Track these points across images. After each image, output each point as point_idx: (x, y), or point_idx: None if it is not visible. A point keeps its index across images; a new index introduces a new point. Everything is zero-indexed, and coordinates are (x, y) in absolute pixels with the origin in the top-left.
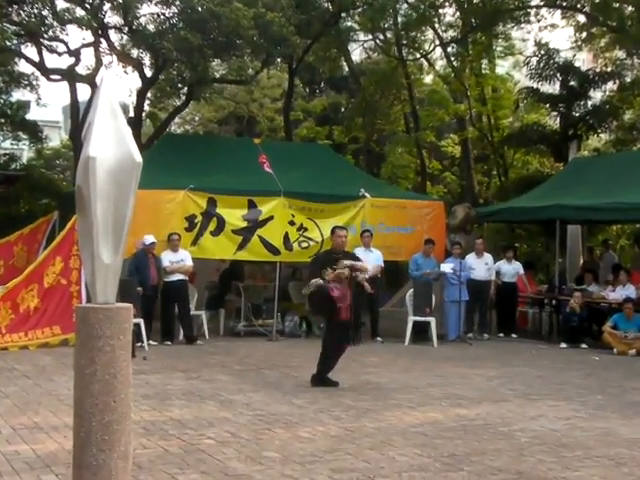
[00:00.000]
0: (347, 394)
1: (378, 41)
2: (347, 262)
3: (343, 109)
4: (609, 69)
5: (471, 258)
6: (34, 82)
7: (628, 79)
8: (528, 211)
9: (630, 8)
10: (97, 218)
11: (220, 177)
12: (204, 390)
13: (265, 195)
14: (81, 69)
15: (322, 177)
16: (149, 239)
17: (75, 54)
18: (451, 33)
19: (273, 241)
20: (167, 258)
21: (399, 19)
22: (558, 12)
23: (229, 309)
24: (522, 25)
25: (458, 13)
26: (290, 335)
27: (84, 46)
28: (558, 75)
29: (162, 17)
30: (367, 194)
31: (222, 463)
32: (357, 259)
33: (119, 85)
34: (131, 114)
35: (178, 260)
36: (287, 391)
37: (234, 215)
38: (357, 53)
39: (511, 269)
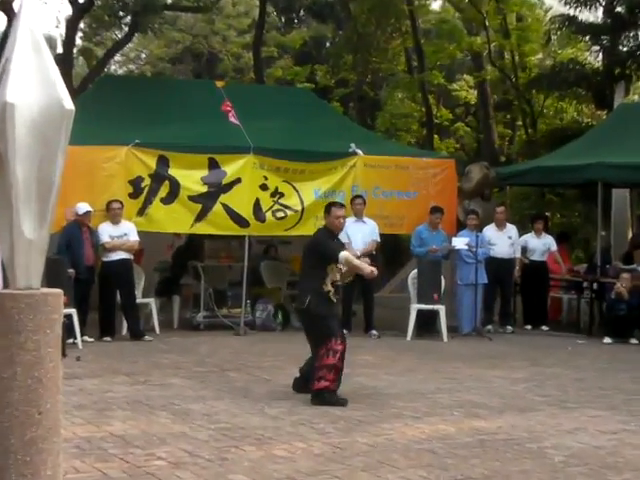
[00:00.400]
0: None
1: None
2: (354, 260)
3: (328, 44)
4: None
5: (490, 231)
6: None
7: None
8: (562, 171)
9: None
10: (17, 181)
11: (173, 129)
12: (154, 398)
13: (230, 152)
14: None
15: (302, 129)
16: (83, 208)
17: None
18: None
19: (240, 210)
20: (106, 232)
21: None
22: None
23: (185, 296)
24: None
25: None
26: (262, 328)
27: None
28: None
29: None
30: (359, 150)
31: None
32: (342, 246)
33: (44, 13)
34: (59, 50)
35: (120, 235)
36: (259, 398)
37: (191, 178)
38: None
39: (541, 244)
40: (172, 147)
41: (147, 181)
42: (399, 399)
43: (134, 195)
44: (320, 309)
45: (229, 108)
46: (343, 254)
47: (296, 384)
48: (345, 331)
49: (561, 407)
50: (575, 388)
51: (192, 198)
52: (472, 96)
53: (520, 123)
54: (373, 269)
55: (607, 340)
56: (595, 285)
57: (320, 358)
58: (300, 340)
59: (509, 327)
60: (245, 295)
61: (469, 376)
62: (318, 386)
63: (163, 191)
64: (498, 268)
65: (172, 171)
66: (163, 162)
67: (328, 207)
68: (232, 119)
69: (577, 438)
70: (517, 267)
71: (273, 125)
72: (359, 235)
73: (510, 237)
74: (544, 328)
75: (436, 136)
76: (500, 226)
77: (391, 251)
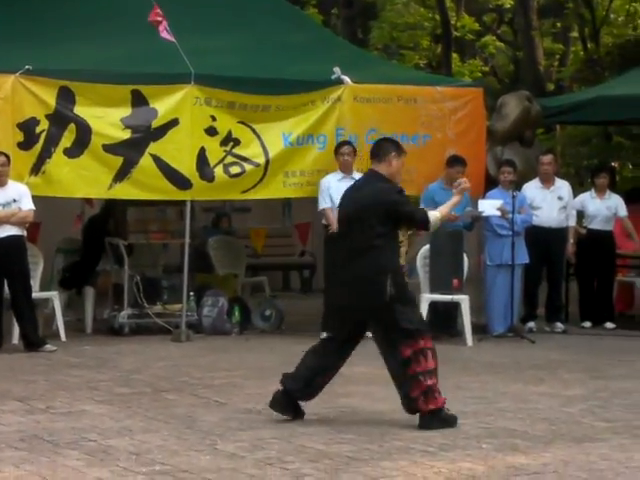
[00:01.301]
0: (316, 432)
1: None
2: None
3: None
4: None
5: (533, 189)
6: None
7: None
8: (637, 103)
9: None
10: None
11: (80, 50)
12: (59, 432)
13: (162, 82)
14: None
15: (265, 48)
16: None
17: None
18: None
19: (179, 165)
20: None
21: None
22: None
23: (102, 287)
24: None
25: None
26: (212, 331)
27: None
28: None
29: None
30: (346, 77)
31: None
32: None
33: None
34: None
35: (7, 202)
36: (208, 429)
37: (107, 119)
38: None
39: (604, 208)
40: (79, 75)
41: (44, 124)
42: (405, 427)
43: (26, 145)
44: (408, 295)
45: (160, 18)
46: (434, 215)
47: (279, 402)
48: (326, 335)
49: (633, 436)
50: None
51: (109, 148)
52: None
53: (576, 35)
54: None
55: None
56: None
57: (411, 364)
58: (265, 347)
59: (559, 325)
60: (187, 285)
61: (503, 394)
62: (433, 405)
63: (67, 139)
64: (544, 242)
65: (79, 109)
66: (66, 97)
67: (339, 147)
68: (164, 34)
69: None
70: (571, 240)
71: (223, 42)
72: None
73: (561, 198)
74: (609, 326)
75: (456, 55)
76: (547, 182)
77: None
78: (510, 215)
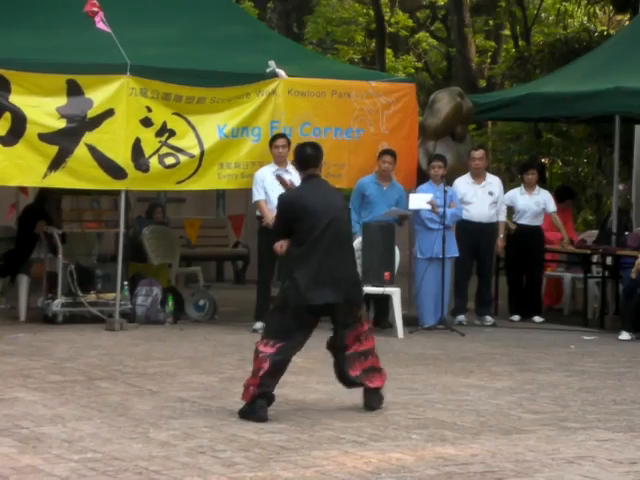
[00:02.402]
0: (247, 421)
1: None
2: None
3: None
4: None
5: (464, 184)
6: None
7: None
8: (566, 100)
9: None
10: None
11: (15, 38)
12: None
13: (98, 72)
14: None
15: (200, 40)
16: None
17: None
18: None
19: (114, 155)
20: None
21: None
22: None
23: (36, 276)
24: None
25: None
26: (146, 320)
27: None
28: None
29: None
30: (281, 71)
31: None
32: None
33: None
34: None
35: None
36: (141, 418)
37: (43, 108)
38: None
39: (533, 203)
40: (14, 64)
41: None
42: (336, 417)
43: None
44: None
45: (96, 9)
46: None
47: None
48: (259, 324)
49: (560, 428)
50: (580, 402)
51: (44, 137)
52: None
53: (508, 33)
54: (281, 243)
55: (624, 336)
56: (609, 260)
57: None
58: (199, 336)
59: (488, 318)
60: (121, 275)
61: (433, 386)
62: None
63: (2, 127)
64: (474, 236)
65: (14, 98)
66: (2, 85)
67: (274, 139)
68: (100, 25)
69: (582, 470)
70: (501, 235)
71: (159, 34)
72: (282, 190)
73: (491, 193)
74: (538, 319)
75: (390, 50)
76: (477, 177)
77: None
78: (440, 209)
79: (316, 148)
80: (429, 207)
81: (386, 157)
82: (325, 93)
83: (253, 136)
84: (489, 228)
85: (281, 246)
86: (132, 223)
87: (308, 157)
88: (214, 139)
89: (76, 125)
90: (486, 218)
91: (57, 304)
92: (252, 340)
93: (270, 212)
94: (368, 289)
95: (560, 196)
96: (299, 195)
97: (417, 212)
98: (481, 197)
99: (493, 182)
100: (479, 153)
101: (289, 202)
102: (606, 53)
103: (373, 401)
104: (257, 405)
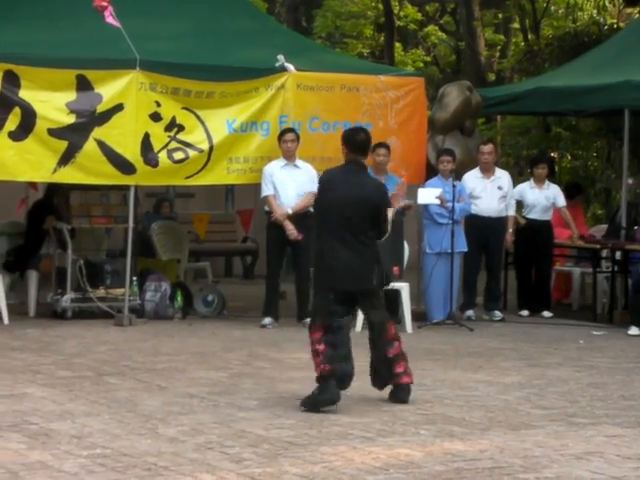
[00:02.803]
0: (256, 417)
1: None
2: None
3: None
4: None
5: (473, 179)
6: None
7: None
8: (575, 94)
9: None
10: None
11: (25, 33)
12: (1, 414)
13: (108, 67)
14: None
15: (209, 35)
16: None
17: None
18: None
19: (123, 150)
20: None
21: None
22: None
23: (45, 271)
24: None
25: None
26: (154, 315)
27: None
28: None
29: None
30: (289, 65)
31: None
32: None
33: None
34: None
35: None
36: (149, 413)
37: (52, 103)
38: None
39: (543, 198)
40: (23, 58)
41: None
42: (344, 413)
43: None
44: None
45: (105, 3)
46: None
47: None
48: (268, 320)
49: (568, 423)
50: (588, 397)
51: (54, 132)
52: None
53: (517, 26)
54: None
55: (634, 331)
56: (618, 255)
57: (398, 340)
58: (207, 332)
59: (497, 313)
60: (130, 270)
61: (442, 381)
62: (409, 378)
63: (12, 122)
64: (483, 231)
65: (24, 93)
66: (11, 80)
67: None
68: (110, 19)
69: (590, 466)
70: (510, 229)
71: (168, 28)
72: (291, 184)
73: (500, 187)
74: (546, 314)
75: (399, 44)
76: (487, 172)
77: None
78: (449, 204)
79: (368, 134)
80: (438, 202)
81: (380, 150)
82: (334, 87)
83: (262, 130)
84: (498, 223)
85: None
86: (140, 218)
87: (362, 141)
88: (223, 134)
89: (85, 120)
90: (495, 213)
91: (66, 299)
92: (260, 335)
93: (278, 207)
94: None
95: (570, 192)
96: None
97: (426, 207)
98: (490, 191)
99: (502, 176)
100: (488, 147)
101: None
102: (615, 46)
103: (404, 394)
104: (328, 385)
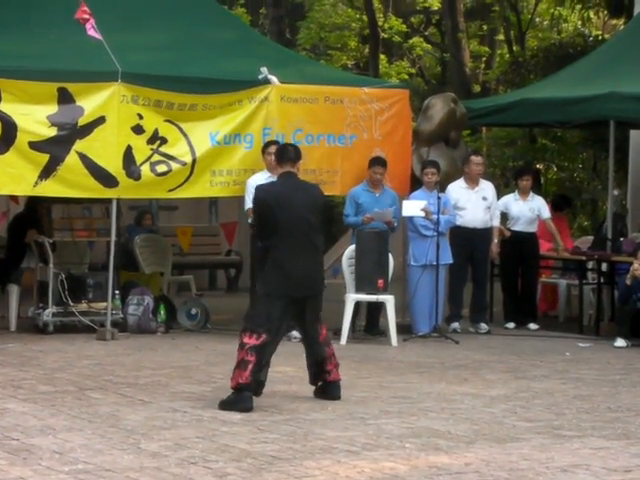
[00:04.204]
0: (239, 431)
1: None
2: None
3: None
4: None
5: (457, 189)
6: None
7: None
8: (561, 105)
9: None
10: None
11: (6, 45)
12: None
13: (89, 80)
14: None
15: (192, 46)
16: None
17: None
18: None
19: (105, 162)
20: None
21: None
22: None
23: (27, 285)
24: None
25: None
26: (137, 329)
27: None
28: None
29: None
30: (273, 77)
31: None
32: None
33: None
34: None
35: None
36: (132, 428)
37: (33, 116)
38: None
39: (527, 209)
40: (4, 71)
41: None
42: (329, 427)
43: None
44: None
45: (87, 16)
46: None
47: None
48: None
49: (554, 436)
50: (574, 410)
51: (35, 145)
52: None
53: (502, 38)
54: None
55: (620, 343)
56: (604, 266)
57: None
58: (191, 346)
59: (483, 325)
60: (113, 283)
61: (427, 394)
62: (339, 375)
63: None
64: (469, 242)
65: (4, 106)
66: None
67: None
68: (91, 32)
69: (576, 478)
70: (495, 240)
71: (150, 40)
72: None
73: (485, 198)
74: (532, 327)
75: (383, 56)
76: (472, 182)
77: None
78: (434, 216)
79: (297, 148)
80: (423, 214)
81: (377, 168)
82: (318, 99)
83: (245, 143)
84: (484, 234)
85: None
86: (123, 231)
87: (289, 152)
88: (206, 146)
89: (67, 133)
90: (480, 223)
91: (48, 314)
92: None
93: None
94: (361, 297)
95: (558, 205)
96: (274, 189)
97: (411, 219)
98: (475, 202)
99: (486, 187)
100: (479, 159)
101: (263, 196)
102: (601, 57)
103: (336, 391)
104: (244, 395)
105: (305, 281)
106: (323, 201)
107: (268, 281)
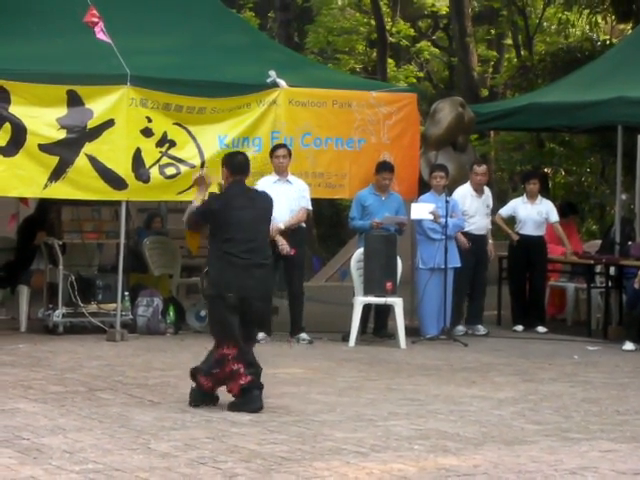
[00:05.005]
0: (249, 432)
1: None
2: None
3: None
4: None
5: (465, 194)
6: None
7: None
8: (568, 110)
9: None
10: None
11: (15, 48)
12: None
13: (98, 82)
14: None
15: (200, 50)
16: None
17: None
18: None
19: (114, 165)
20: None
21: None
22: None
23: (37, 286)
24: None
25: None
26: (146, 331)
27: None
28: None
29: None
30: (281, 81)
31: None
32: None
33: None
34: None
35: None
36: (142, 429)
37: (43, 119)
38: None
39: (535, 213)
40: (14, 74)
41: None
42: (338, 428)
43: None
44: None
45: (96, 19)
46: None
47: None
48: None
49: (563, 438)
50: (583, 412)
51: (45, 148)
52: (443, 4)
53: (510, 42)
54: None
55: (628, 346)
56: (612, 270)
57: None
58: (200, 347)
59: (480, 327)
60: (122, 285)
61: (435, 396)
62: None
63: (2, 138)
64: (474, 247)
65: (14, 109)
66: (1, 96)
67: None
68: (100, 35)
69: None
70: (490, 241)
71: (159, 44)
72: (283, 200)
73: (488, 206)
74: (541, 329)
75: (391, 60)
76: (479, 189)
77: (329, 223)
78: (442, 219)
79: (247, 157)
80: (431, 217)
81: (385, 174)
82: (326, 103)
83: (254, 146)
84: (485, 239)
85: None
86: (132, 234)
87: (241, 163)
88: (215, 149)
89: (76, 135)
90: (484, 230)
91: (58, 315)
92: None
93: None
94: (370, 299)
95: (563, 211)
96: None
97: (419, 222)
98: (481, 210)
99: (489, 194)
100: (482, 169)
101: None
102: (609, 62)
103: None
104: (253, 395)
105: (262, 286)
106: (271, 207)
107: (220, 291)
